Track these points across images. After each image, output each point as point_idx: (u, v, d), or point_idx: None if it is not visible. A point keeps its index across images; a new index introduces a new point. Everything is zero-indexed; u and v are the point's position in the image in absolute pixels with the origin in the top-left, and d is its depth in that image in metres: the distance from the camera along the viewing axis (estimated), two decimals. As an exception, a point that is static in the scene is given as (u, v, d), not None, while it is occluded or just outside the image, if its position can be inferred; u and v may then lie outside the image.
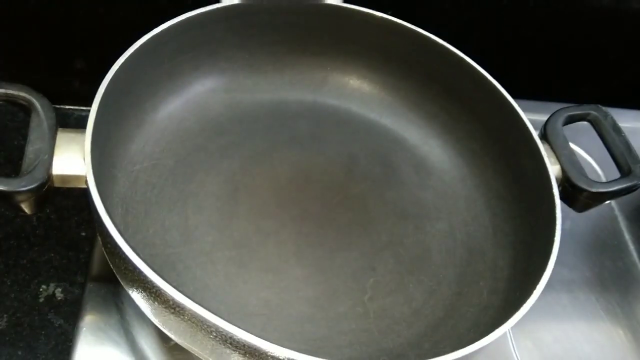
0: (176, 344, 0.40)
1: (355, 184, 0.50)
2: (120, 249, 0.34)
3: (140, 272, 0.33)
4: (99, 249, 0.49)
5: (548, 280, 0.38)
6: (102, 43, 0.54)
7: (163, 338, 0.44)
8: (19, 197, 0.36)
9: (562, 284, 0.55)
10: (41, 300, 0.48)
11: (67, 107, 0.60)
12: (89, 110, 0.39)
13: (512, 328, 0.49)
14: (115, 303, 0.45)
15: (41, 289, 0.48)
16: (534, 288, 0.38)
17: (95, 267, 0.48)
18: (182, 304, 0.33)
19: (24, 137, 0.57)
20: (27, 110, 0.39)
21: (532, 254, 0.42)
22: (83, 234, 0.52)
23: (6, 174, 0.40)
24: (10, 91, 0.39)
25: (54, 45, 0.56)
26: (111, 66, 0.42)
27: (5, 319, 0.46)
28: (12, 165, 0.56)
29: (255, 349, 0.32)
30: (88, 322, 0.44)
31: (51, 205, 0.53)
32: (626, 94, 0.59)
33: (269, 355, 0.32)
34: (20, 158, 0.56)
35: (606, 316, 0.53)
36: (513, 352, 0.49)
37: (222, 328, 0.32)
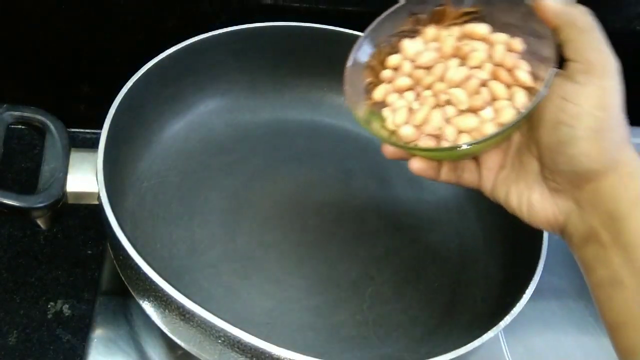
0: (184, 354, 0.41)
1: (352, 198, 0.51)
2: (132, 260, 0.36)
3: (151, 282, 0.35)
4: (107, 265, 0.50)
5: (539, 288, 0.39)
6: (107, 68, 0.56)
7: (171, 348, 0.45)
8: (36, 213, 0.38)
9: (553, 292, 0.55)
10: (49, 316, 0.49)
11: (73, 129, 0.61)
12: (95, 133, 0.41)
13: (504, 334, 0.51)
14: (124, 315, 0.46)
15: (49, 306, 0.49)
16: (524, 293, 0.39)
17: (105, 282, 0.49)
18: (192, 311, 0.34)
19: (31, 159, 0.59)
20: (41, 131, 0.41)
21: (522, 261, 0.43)
22: (89, 251, 0.53)
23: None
24: (26, 114, 0.41)
25: (60, 71, 0.58)
26: (116, 90, 0.44)
27: (14, 335, 0.47)
28: (19, 186, 0.57)
29: (261, 353, 0.34)
30: (99, 334, 0.45)
31: (58, 225, 0.54)
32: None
33: (275, 359, 0.34)
34: (28, 179, 0.57)
35: (595, 322, 0.54)
36: (506, 356, 0.50)
37: (229, 333, 0.34)
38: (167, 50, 0.48)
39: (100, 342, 0.45)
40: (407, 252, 0.47)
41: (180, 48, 0.48)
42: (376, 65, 0.37)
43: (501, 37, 0.35)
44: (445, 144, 0.34)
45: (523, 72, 0.34)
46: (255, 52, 0.52)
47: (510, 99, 0.34)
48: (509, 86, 0.34)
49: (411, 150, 0.35)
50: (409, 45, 0.36)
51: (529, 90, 0.34)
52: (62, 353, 0.47)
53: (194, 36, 0.49)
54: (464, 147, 0.33)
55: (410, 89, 0.36)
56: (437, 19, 0.37)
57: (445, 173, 0.36)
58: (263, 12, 0.54)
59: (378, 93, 0.37)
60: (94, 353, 0.44)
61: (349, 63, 0.37)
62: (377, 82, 0.37)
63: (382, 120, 0.36)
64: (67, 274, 0.51)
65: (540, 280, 0.40)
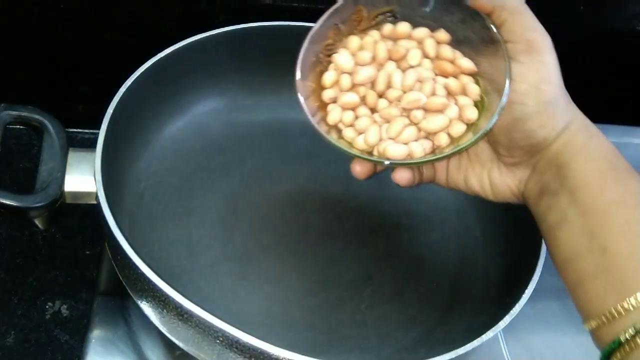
0: (182, 354, 0.41)
1: (351, 199, 0.51)
2: (130, 260, 0.36)
3: (150, 282, 0.35)
4: (106, 265, 0.50)
5: (538, 288, 0.40)
6: (105, 68, 0.56)
7: (170, 348, 0.45)
8: (34, 213, 0.38)
9: (552, 292, 0.55)
10: (47, 317, 0.49)
11: (71, 129, 0.61)
12: (92, 133, 0.41)
13: (504, 334, 0.51)
14: (122, 316, 0.46)
15: (47, 306, 0.49)
16: (523, 293, 0.39)
17: (103, 282, 0.49)
18: (190, 311, 0.34)
19: (29, 159, 0.59)
20: (39, 131, 0.41)
21: (521, 261, 0.44)
22: (87, 252, 0.53)
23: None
24: (24, 113, 0.41)
25: (58, 71, 0.58)
26: (114, 90, 0.44)
27: (12, 336, 0.47)
28: (18, 186, 0.57)
29: (260, 353, 0.34)
30: (97, 334, 0.45)
31: (56, 225, 0.54)
32: (610, 109, 0.62)
33: (273, 358, 0.34)
34: (25, 179, 0.57)
35: (594, 322, 0.55)
36: (505, 357, 0.50)
37: (228, 333, 0.34)
38: (166, 50, 0.47)
39: (98, 342, 0.45)
40: (406, 252, 0.47)
41: (179, 48, 0.48)
42: (316, 88, 0.37)
43: (424, 31, 0.36)
44: (437, 153, 0.34)
45: (465, 60, 0.35)
46: (253, 51, 0.52)
47: (464, 92, 0.35)
48: (456, 77, 0.35)
49: (395, 165, 0.35)
50: (340, 59, 0.36)
51: (474, 76, 0.35)
52: (60, 354, 0.47)
53: (192, 36, 0.49)
54: (449, 152, 0.34)
55: (359, 104, 0.36)
56: (356, 25, 0.37)
57: (418, 176, 0.38)
58: (261, 12, 0.54)
59: (332, 117, 0.36)
60: (92, 353, 0.44)
61: (298, 95, 0.36)
62: (323, 104, 0.36)
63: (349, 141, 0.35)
64: (65, 274, 0.51)
65: (540, 281, 0.40)
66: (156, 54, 0.47)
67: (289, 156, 0.52)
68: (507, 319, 0.38)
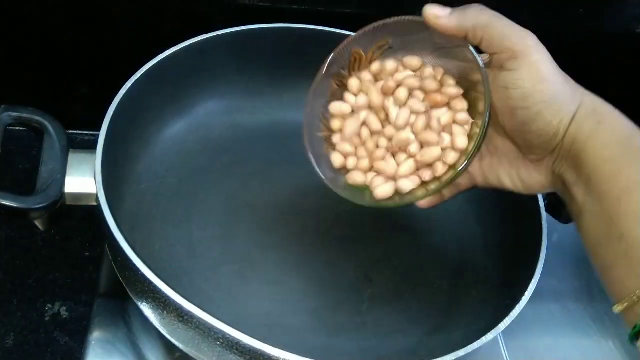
0: (182, 356, 0.41)
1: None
2: (131, 261, 0.36)
3: (150, 283, 0.35)
4: (106, 266, 0.50)
5: (538, 291, 0.40)
6: (106, 69, 0.56)
7: (169, 350, 0.45)
8: (34, 214, 0.38)
9: (552, 294, 0.56)
10: (47, 318, 0.49)
11: (71, 131, 0.61)
12: (93, 134, 0.40)
13: (504, 336, 0.51)
14: (122, 317, 0.46)
15: (47, 308, 0.49)
16: (523, 295, 0.39)
17: (103, 283, 0.49)
18: (190, 313, 0.34)
19: (29, 160, 0.59)
20: (40, 132, 0.41)
21: (521, 264, 0.44)
22: (87, 254, 0.53)
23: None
24: (24, 115, 0.41)
25: (59, 72, 0.58)
26: (115, 92, 0.44)
27: (12, 337, 0.47)
28: (18, 188, 0.56)
29: (260, 354, 0.34)
30: (97, 336, 0.45)
31: (56, 227, 0.54)
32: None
33: (274, 360, 0.34)
34: (26, 180, 0.57)
35: (594, 325, 0.55)
36: (505, 359, 0.50)
37: (228, 334, 0.34)
38: (166, 52, 0.48)
39: (98, 344, 0.45)
40: (405, 254, 0.47)
41: (179, 49, 0.48)
42: (327, 136, 0.39)
43: (414, 60, 0.37)
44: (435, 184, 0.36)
45: (452, 88, 0.36)
46: (254, 53, 0.52)
47: (454, 121, 0.36)
48: (447, 104, 0.36)
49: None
50: (336, 107, 0.38)
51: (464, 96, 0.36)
52: (59, 355, 0.47)
53: (192, 37, 0.49)
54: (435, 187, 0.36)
55: (354, 152, 0.38)
56: (357, 67, 0.38)
57: (447, 192, 0.39)
58: (261, 14, 0.54)
59: (335, 162, 0.38)
60: (92, 355, 0.44)
61: (306, 145, 0.39)
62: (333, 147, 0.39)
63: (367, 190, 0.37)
64: (65, 275, 0.51)
65: (540, 283, 0.40)
66: (157, 55, 0.47)
67: (289, 157, 0.51)
68: (507, 321, 0.38)
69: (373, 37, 0.38)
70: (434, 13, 0.34)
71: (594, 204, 0.32)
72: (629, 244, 0.30)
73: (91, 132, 0.60)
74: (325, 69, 0.39)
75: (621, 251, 0.30)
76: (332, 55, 0.39)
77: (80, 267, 0.52)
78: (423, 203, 0.38)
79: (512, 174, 0.37)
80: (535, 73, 0.32)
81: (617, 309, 0.31)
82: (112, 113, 0.42)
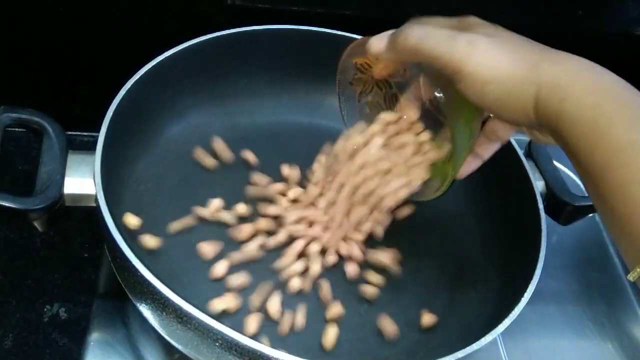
0: (181, 357, 0.41)
1: (350, 201, 0.51)
2: (129, 262, 0.36)
3: (149, 284, 0.35)
4: (104, 267, 0.50)
5: (537, 292, 0.40)
6: (105, 70, 0.56)
7: (168, 351, 0.45)
8: (33, 215, 0.38)
9: (551, 296, 0.56)
10: (46, 319, 0.49)
11: (71, 132, 0.61)
12: (92, 135, 0.40)
13: (503, 337, 0.51)
14: (121, 318, 0.46)
15: (46, 309, 0.49)
16: (522, 297, 0.39)
17: (102, 284, 0.49)
18: (189, 314, 0.34)
19: (28, 161, 0.59)
20: (39, 133, 0.41)
21: (520, 265, 0.44)
22: (86, 255, 0.53)
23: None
24: (23, 116, 0.41)
25: (58, 73, 0.58)
26: (113, 93, 0.44)
27: (10, 338, 0.47)
28: (16, 188, 0.57)
29: (259, 356, 0.34)
30: (95, 337, 0.45)
31: (55, 228, 0.53)
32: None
33: (272, 361, 0.33)
34: (25, 181, 0.57)
35: (593, 326, 0.55)
36: (504, 360, 0.50)
37: (227, 336, 0.34)
38: (165, 53, 0.48)
39: (96, 345, 0.45)
40: (404, 254, 0.47)
41: (178, 50, 0.48)
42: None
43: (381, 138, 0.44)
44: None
45: (424, 134, 0.42)
46: (253, 54, 0.53)
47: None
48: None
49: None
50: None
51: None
52: (58, 356, 0.47)
53: (191, 39, 0.49)
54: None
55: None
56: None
57: (481, 150, 0.42)
58: (261, 15, 0.54)
59: None
60: (91, 356, 0.44)
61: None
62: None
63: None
64: (64, 276, 0.51)
65: (539, 284, 0.40)
66: (156, 56, 0.47)
67: (289, 159, 0.51)
68: (506, 322, 0.38)
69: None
70: (372, 46, 0.37)
71: (584, 180, 0.32)
72: (621, 221, 0.29)
73: (90, 133, 0.60)
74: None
75: (618, 226, 0.30)
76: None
77: (79, 268, 0.52)
78: (462, 173, 0.41)
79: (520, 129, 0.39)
80: (478, 80, 0.33)
81: (632, 276, 0.30)
82: (111, 114, 0.42)
